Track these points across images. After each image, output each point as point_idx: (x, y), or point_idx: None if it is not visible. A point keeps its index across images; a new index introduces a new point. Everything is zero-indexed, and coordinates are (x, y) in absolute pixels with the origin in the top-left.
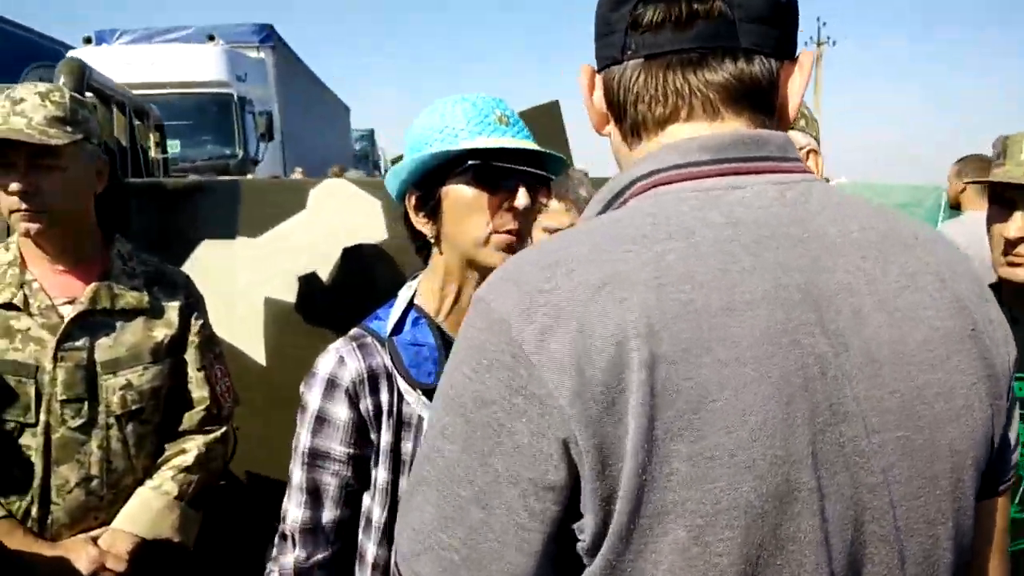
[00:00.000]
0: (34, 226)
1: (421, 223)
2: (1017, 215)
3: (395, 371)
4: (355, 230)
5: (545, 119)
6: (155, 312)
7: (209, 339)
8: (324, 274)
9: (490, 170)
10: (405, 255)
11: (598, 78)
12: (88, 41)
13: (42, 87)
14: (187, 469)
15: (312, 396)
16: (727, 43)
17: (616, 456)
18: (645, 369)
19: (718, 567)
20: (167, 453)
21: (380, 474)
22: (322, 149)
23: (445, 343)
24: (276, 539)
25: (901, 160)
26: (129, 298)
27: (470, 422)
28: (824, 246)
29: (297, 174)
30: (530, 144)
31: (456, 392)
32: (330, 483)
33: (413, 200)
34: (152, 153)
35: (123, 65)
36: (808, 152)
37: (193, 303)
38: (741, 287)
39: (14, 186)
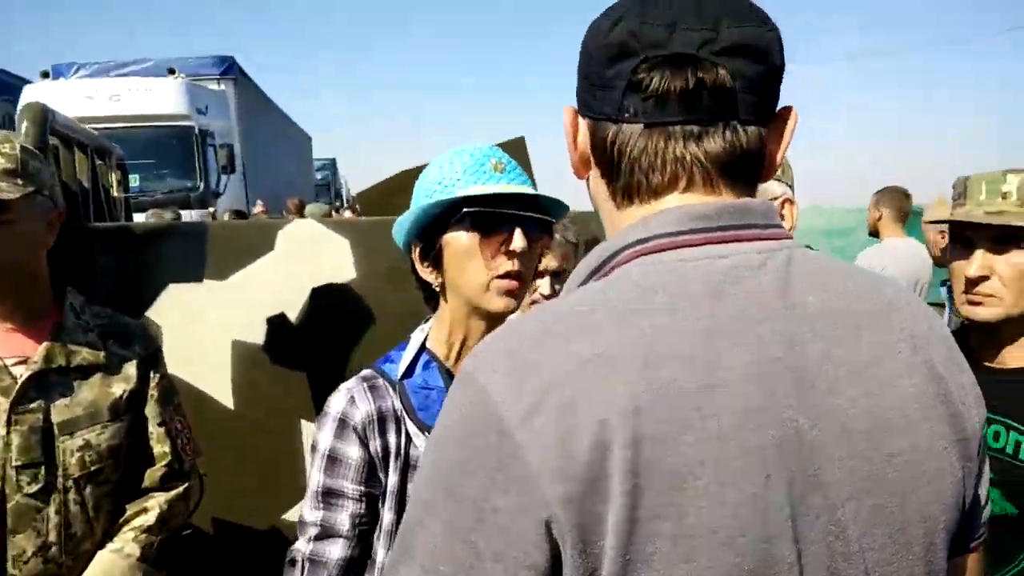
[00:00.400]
0: None
1: (426, 273)
2: (977, 254)
3: (404, 414)
4: (323, 270)
5: (513, 152)
6: (112, 367)
7: (167, 391)
8: (293, 315)
9: (485, 216)
10: (374, 293)
11: (582, 123)
12: (46, 75)
13: None
14: (149, 529)
15: (324, 435)
16: (727, 116)
17: (598, 535)
18: (629, 448)
19: None
20: (128, 513)
21: (386, 515)
22: (284, 180)
23: None
24: (285, 571)
25: (838, 181)
26: (85, 354)
27: (453, 496)
28: (802, 317)
29: (259, 208)
30: (526, 188)
31: (440, 466)
32: (344, 521)
33: (417, 251)
34: (114, 192)
35: (82, 99)
36: (783, 201)
37: (152, 354)
38: (722, 363)
39: None
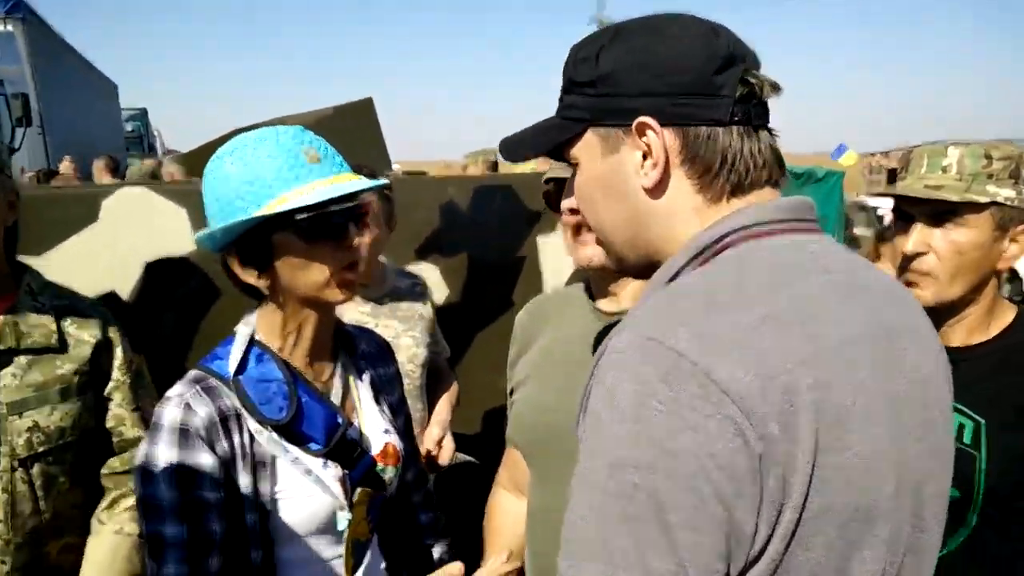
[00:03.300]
0: None
1: (249, 277)
2: (915, 227)
3: (244, 411)
4: (158, 242)
5: (360, 116)
6: (64, 348)
7: (138, 375)
8: (124, 292)
9: (318, 220)
10: (216, 265)
11: (667, 134)
12: None
13: None
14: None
15: (161, 450)
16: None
17: (792, 468)
18: (811, 392)
19: (859, 557)
20: (114, 494)
21: (248, 517)
22: (89, 133)
23: (294, 377)
24: None
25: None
26: (36, 336)
27: (667, 451)
28: (873, 293)
29: (67, 166)
30: (348, 177)
31: (644, 427)
32: (214, 533)
33: (235, 259)
34: None
35: None
36: None
37: (111, 338)
38: (847, 324)
39: None
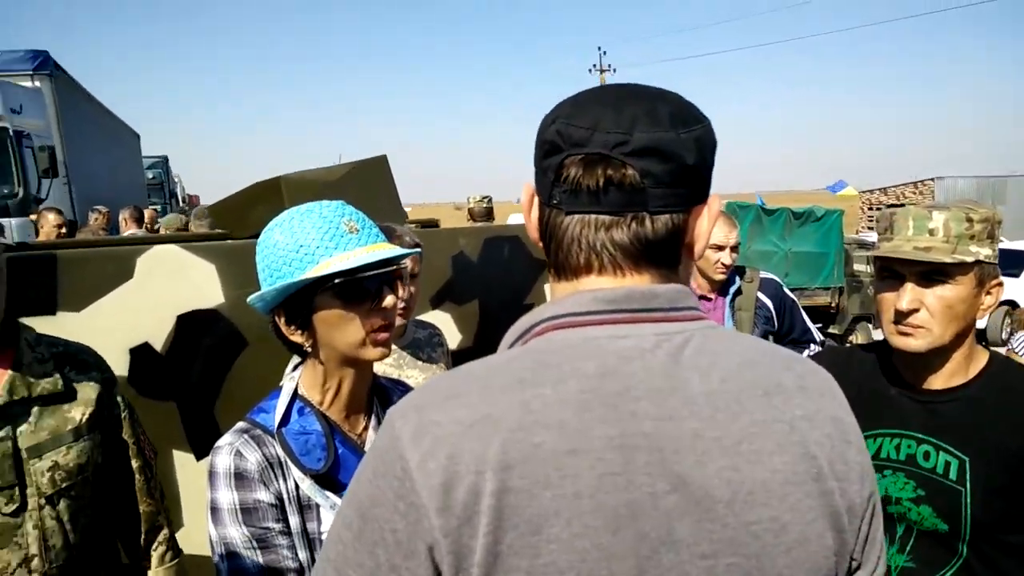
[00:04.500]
0: None
1: (294, 336)
2: (907, 287)
3: (287, 460)
4: (189, 296)
5: (375, 172)
6: (71, 393)
7: (131, 410)
8: (158, 344)
9: (353, 284)
10: (243, 316)
11: (536, 200)
12: None
13: None
14: (170, 536)
15: (222, 494)
16: (636, 209)
17: (468, 563)
18: (495, 496)
19: None
20: (145, 528)
21: (301, 554)
22: (113, 182)
23: (332, 429)
24: None
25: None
26: (45, 384)
27: (363, 516)
28: (682, 398)
29: (97, 218)
30: (382, 247)
31: (358, 490)
32: (287, 557)
33: (282, 319)
34: None
35: None
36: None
37: (109, 378)
38: (590, 433)
39: None
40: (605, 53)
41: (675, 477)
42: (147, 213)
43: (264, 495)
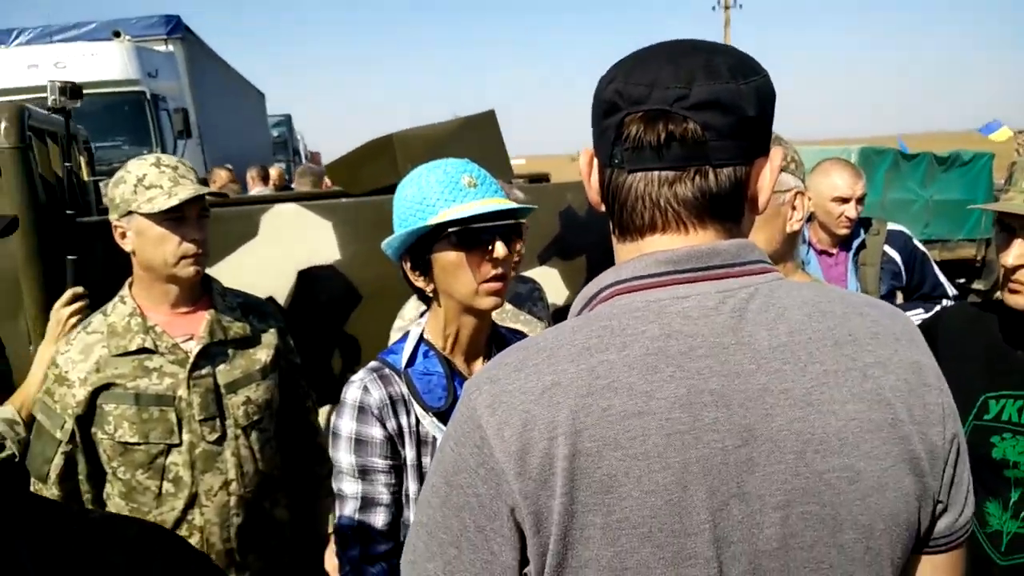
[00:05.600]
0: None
1: (418, 281)
2: (1016, 243)
3: (411, 398)
4: (308, 252)
5: (483, 128)
6: (256, 338)
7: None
8: (281, 298)
9: (467, 233)
10: (358, 272)
11: (595, 163)
12: None
13: None
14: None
15: (345, 422)
16: (699, 163)
17: (548, 522)
18: (568, 459)
19: None
20: (314, 460)
21: (411, 486)
22: (241, 141)
23: (452, 372)
24: (334, 545)
25: (824, 111)
26: (236, 329)
27: (449, 483)
28: (748, 352)
29: (223, 176)
30: (499, 201)
31: (442, 458)
32: (382, 492)
33: (408, 264)
34: (84, 175)
35: (25, 68)
36: (796, 194)
37: (283, 327)
38: (657, 394)
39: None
40: None
41: (744, 431)
42: (274, 171)
43: (378, 431)
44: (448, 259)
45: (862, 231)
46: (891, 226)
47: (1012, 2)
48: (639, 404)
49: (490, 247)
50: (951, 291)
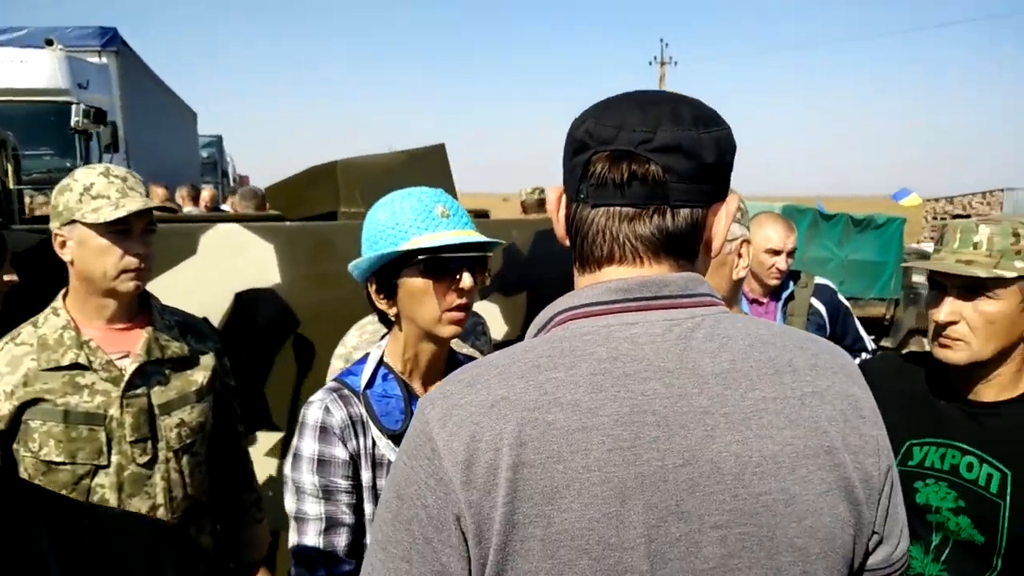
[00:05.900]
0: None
1: (382, 304)
2: (946, 300)
3: (369, 419)
4: (248, 274)
5: (432, 161)
6: (194, 358)
7: (231, 377)
8: (216, 318)
9: (437, 262)
10: (298, 296)
11: (563, 200)
12: None
13: None
14: (258, 495)
15: (307, 443)
16: (658, 202)
17: (489, 532)
18: (512, 470)
19: None
20: (242, 486)
21: (367, 508)
22: (171, 159)
23: (410, 395)
24: (296, 565)
25: (748, 170)
26: (174, 348)
27: (400, 496)
28: (691, 377)
29: (161, 191)
30: (469, 233)
31: (395, 473)
32: (345, 513)
33: (373, 287)
34: (9, 183)
35: None
36: (742, 242)
37: (220, 348)
38: (601, 411)
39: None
40: (667, 45)
41: (685, 451)
42: (206, 192)
43: (340, 451)
44: (415, 285)
45: (791, 283)
46: (818, 280)
47: (923, 74)
48: (583, 419)
49: (458, 277)
50: (870, 345)
